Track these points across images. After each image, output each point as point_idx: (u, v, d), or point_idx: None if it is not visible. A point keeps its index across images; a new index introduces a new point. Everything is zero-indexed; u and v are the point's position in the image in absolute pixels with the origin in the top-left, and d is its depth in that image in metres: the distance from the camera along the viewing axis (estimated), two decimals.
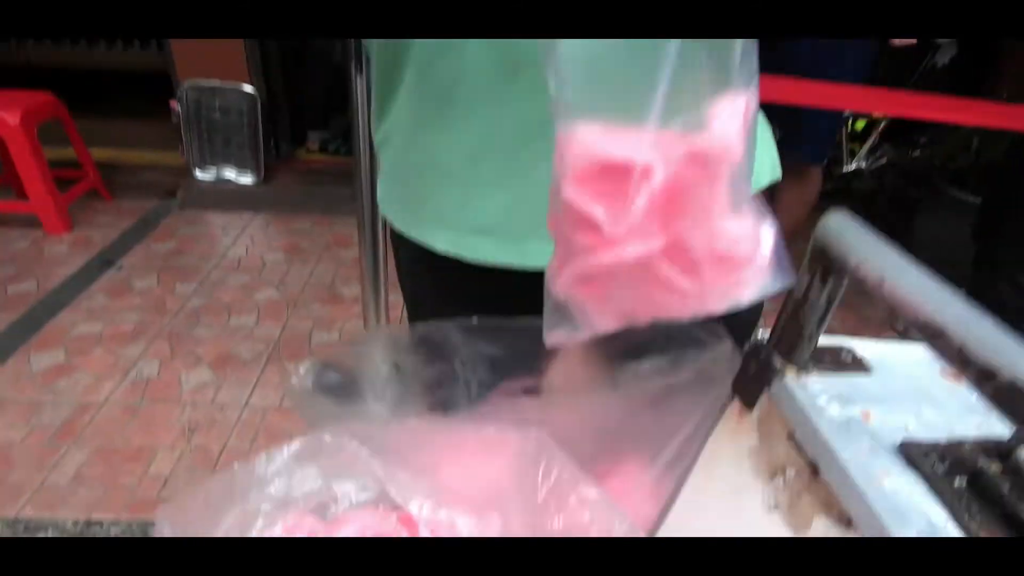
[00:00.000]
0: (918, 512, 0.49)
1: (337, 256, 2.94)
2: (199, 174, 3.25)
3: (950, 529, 0.47)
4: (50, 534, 1.71)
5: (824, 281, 0.54)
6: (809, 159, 2.70)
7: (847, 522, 0.56)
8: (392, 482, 0.80)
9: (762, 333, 0.71)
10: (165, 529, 0.63)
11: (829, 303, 0.55)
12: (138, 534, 1.71)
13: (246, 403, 2.08)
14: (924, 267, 0.42)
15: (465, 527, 0.78)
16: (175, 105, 3.18)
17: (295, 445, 0.85)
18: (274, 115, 3.41)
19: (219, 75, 3.20)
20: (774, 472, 0.70)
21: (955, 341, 0.37)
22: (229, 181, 3.27)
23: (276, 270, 2.74)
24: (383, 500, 0.95)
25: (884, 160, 3.06)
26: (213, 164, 3.25)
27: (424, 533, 0.95)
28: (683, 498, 0.82)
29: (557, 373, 0.90)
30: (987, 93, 2.91)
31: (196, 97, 3.18)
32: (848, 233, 0.49)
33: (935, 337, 0.38)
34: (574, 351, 0.89)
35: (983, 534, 0.43)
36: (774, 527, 0.68)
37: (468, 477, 0.81)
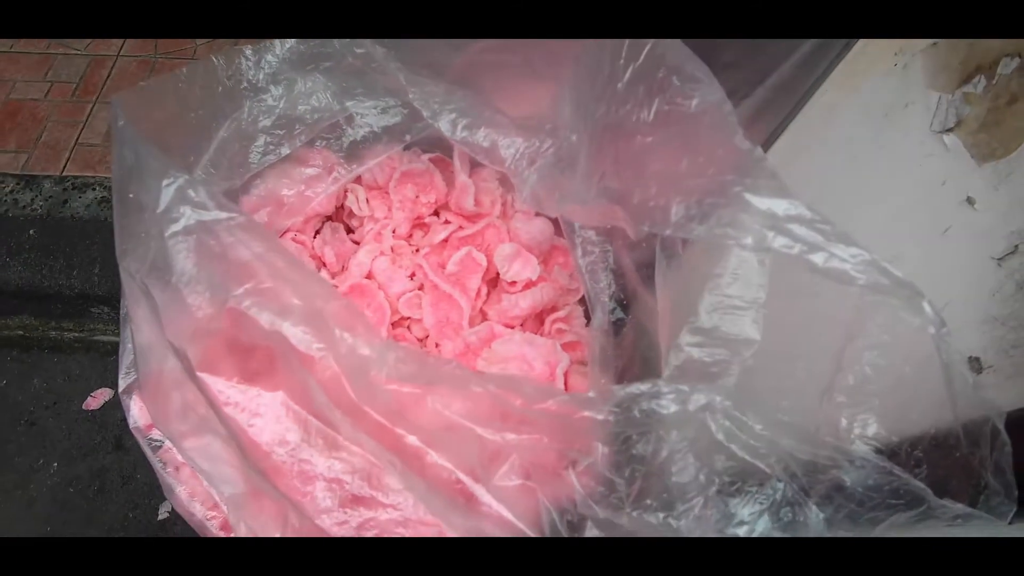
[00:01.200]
0: None
1: None
2: None
3: None
4: (97, 193, 1.73)
5: None
6: None
7: None
8: (420, 93, 0.62)
9: None
10: (119, 119, 0.48)
11: None
12: None
13: None
14: None
15: (509, 150, 0.61)
16: None
17: (291, 42, 0.65)
18: None
19: None
20: (970, 73, 0.47)
21: None
22: None
23: None
24: (409, 127, 0.77)
25: None
26: None
27: (460, 175, 0.78)
28: (805, 118, 0.61)
29: None
30: None
31: None
32: None
33: None
34: None
35: None
36: (937, 156, 0.48)
37: (521, 80, 0.61)
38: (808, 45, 0.61)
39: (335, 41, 0.64)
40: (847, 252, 0.35)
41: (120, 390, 0.64)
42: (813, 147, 0.58)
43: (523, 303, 0.76)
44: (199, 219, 0.42)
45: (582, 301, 0.79)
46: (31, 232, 1.71)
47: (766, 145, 0.60)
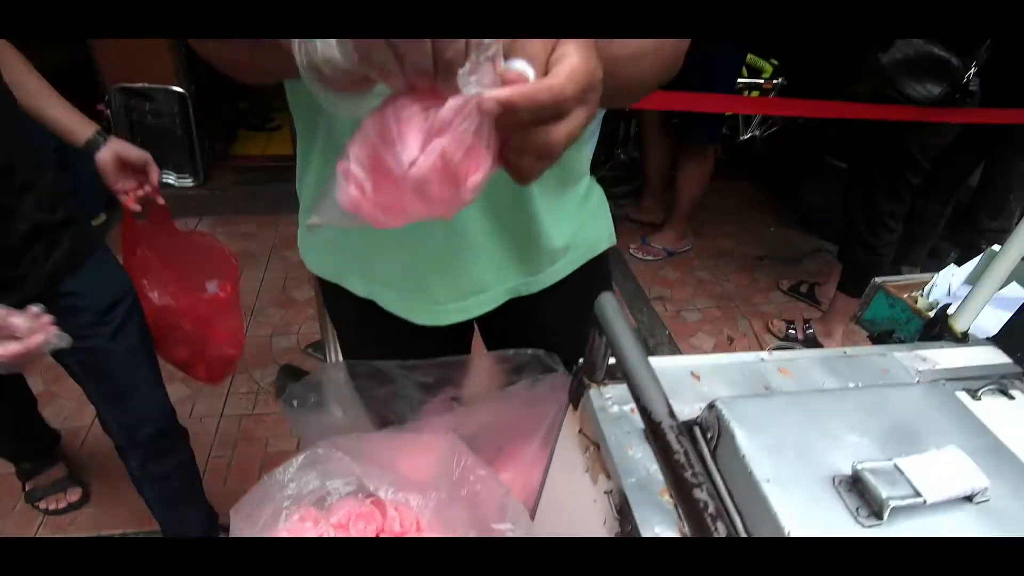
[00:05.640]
0: (643, 467, 0.99)
1: (285, 258, 3.20)
2: None
3: (657, 477, 0.95)
4: None
5: (602, 336, 0.96)
6: (705, 140, 3.17)
7: (608, 476, 1.07)
8: (367, 476, 1.29)
9: (582, 360, 1.17)
10: (240, 522, 1.12)
11: (607, 349, 0.99)
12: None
13: (221, 414, 2.36)
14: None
15: (415, 501, 1.30)
16: (103, 109, 3.22)
17: (300, 458, 1.32)
18: (206, 114, 3.48)
19: (146, 77, 3.25)
20: (586, 448, 1.19)
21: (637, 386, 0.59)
22: (170, 185, 3.45)
23: None
24: (361, 490, 1.46)
25: (775, 128, 3.55)
26: None
27: (389, 510, 1.48)
28: (552, 467, 1.35)
29: (472, 384, 1.42)
30: None
31: (125, 100, 3.27)
32: (608, 315, 0.69)
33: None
34: (483, 371, 1.39)
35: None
36: (584, 484, 1.16)
37: (413, 469, 1.32)
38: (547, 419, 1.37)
39: (322, 454, 1.34)
40: None
41: None
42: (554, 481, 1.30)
43: None
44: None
45: None
46: None
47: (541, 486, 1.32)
